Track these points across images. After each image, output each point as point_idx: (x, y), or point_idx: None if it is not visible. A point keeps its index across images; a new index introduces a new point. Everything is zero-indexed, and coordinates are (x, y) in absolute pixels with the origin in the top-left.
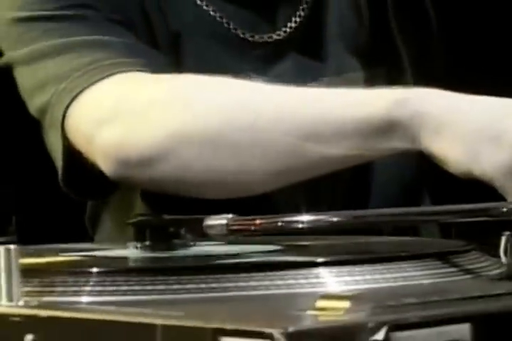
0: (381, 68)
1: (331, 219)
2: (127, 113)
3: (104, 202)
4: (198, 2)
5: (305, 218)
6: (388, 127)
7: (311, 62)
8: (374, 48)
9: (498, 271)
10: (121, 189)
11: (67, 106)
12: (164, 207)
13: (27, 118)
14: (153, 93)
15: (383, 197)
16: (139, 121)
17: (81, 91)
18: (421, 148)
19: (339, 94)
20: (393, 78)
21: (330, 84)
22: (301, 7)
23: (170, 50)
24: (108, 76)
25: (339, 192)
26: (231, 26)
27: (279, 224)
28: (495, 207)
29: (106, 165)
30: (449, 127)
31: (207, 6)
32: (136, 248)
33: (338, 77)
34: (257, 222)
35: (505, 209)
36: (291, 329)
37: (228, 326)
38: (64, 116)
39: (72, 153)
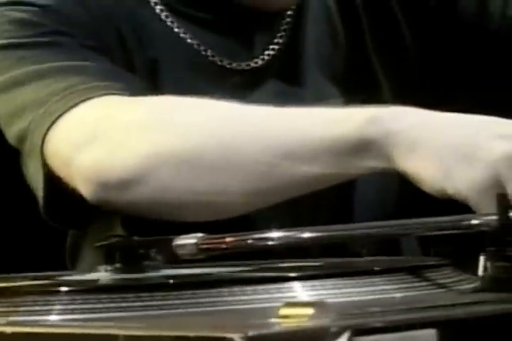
0: (359, 93)
1: (301, 235)
2: (105, 135)
3: (85, 232)
4: (176, 30)
5: (275, 234)
6: (362, 146)
7: (290, 89)
8: (352, 74)
9: (471, 285)
10: (101, 218)
11: (46, 131)
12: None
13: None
14: (130, 115)
15: (366, 216)
16: (117, 143)
17: (59, 116)
18: (396, 167)
19: (314, 113)
20: (372, 103)
21: None
22: (278, 35)
23: (147, 76)
24: (85, 100)
25: (322, 212)
26: (208, 53)
27: (250, 241)
28: (463, 219)
29: (85, 188)
30: (423, 145)
31: (184, 33)
32: (106, 271)
33: (316, 104)
34: (227, 240)
35: (473, 222)
36: (251, 333)
37: (189, 333)
38: (43, 142)
39: (52, 181)
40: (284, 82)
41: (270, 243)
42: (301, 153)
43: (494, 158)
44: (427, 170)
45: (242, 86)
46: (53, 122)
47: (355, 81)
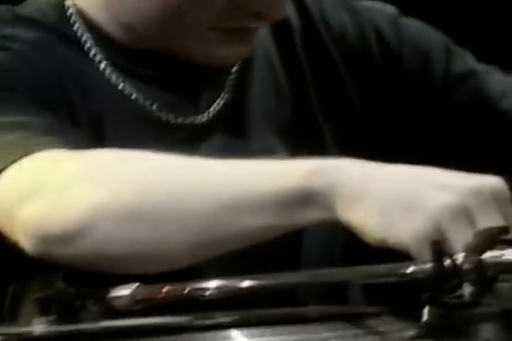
0: (305, 147)
1: (239, 285)
2: (47, 189)
3: (25, 285)
4: (120, 85)
5: (213, 284)
6: (305, 198)
7: (236, 144)
8: (297, 128)
9: (409, 332)
10: (42, 271)
11: None
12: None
13: None
14: (71, 169)
15: (313, 266)
16: (58, 197)
17: (1, 171)
18: (339, 218)
19: (260, 166)
20: (317, 155)
21: None
22: (224, 90)
23: (92, 131)
24: (26, 155)
25: (269, 262)
26: (154, 109)
27: (187, 290)
28: (399, 267)
29: (27, 242)
30: (364, 196)
31: (129, 88)
32: (42, 323)
33: (262, 158)
34: (164, 289)
35: (409, 270)
36: None
37: None
38: None
39: None
40: (230, 137)
41: (208, 293)
42: (246, 205)
43: (435, 208)
44: (370, 220)
45: (188, 141)
46: None
47: (301, 135)
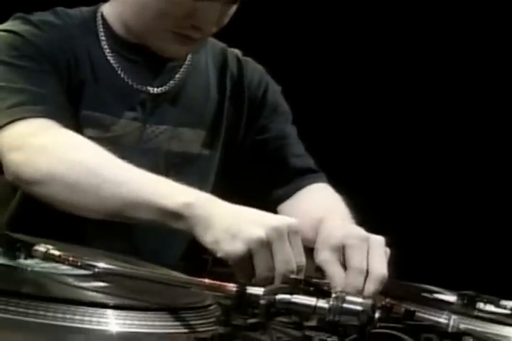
0: (211, 138)
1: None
2: (27, 149)
3: None
4: (113, 63)
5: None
6: (177, 217)
7: (172, 111)
8: (209, 116)
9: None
10: None
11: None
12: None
13: None
14: (45, 141)
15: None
16: (32, 156)
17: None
18: (194, 235)
19: (160, 185)
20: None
21: (170, 130)
22: (176, 75)
23: (75, 93)
24: (20, 119)
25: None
26: (127, 79)
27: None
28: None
29: (8, 177)
30: (209, 227)
31: (118, 65)
32: None
33: (177, 127)
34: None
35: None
36: None
37: None
38: None
39: None
40: (171, 106)
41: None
42: (138, 209)
43: (248, 238)
44: (208, 238)
45: (144, 104)
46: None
47: (209, 119)
